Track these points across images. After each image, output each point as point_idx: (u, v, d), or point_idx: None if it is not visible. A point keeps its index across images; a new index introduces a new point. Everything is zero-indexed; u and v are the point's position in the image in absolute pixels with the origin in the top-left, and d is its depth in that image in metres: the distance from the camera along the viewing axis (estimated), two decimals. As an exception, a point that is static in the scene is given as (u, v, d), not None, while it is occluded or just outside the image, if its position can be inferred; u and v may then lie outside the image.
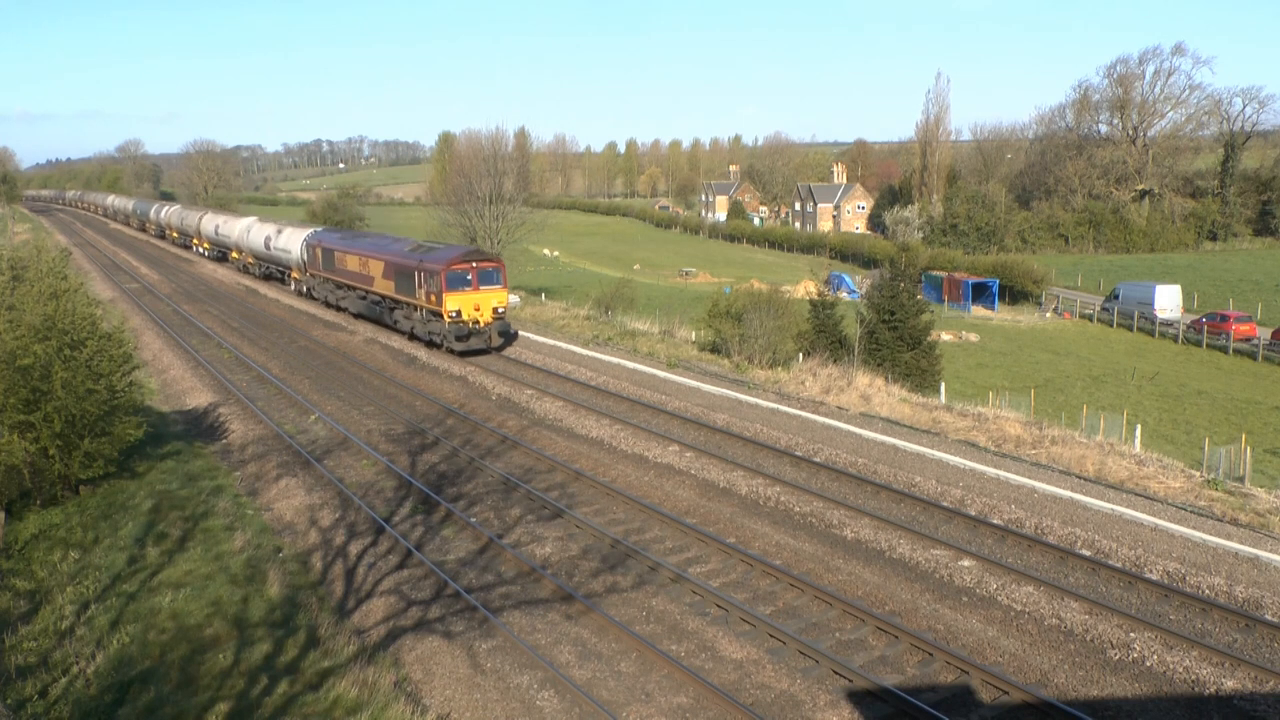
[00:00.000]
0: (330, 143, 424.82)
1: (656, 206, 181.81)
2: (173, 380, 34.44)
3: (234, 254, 66.91)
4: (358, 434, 26.25)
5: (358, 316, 44.25)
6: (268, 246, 55.89)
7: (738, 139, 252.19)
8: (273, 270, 58.35)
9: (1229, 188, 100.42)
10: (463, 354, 34.89)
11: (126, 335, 25.98)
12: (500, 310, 35.30)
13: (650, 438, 25.02)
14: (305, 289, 51.53)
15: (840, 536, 18.55)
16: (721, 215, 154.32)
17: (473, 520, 19.61)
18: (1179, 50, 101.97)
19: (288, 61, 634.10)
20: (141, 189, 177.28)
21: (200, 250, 76.63)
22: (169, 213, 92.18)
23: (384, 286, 39.23)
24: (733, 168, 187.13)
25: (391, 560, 17.89)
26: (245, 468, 23.93)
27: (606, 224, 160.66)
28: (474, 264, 34.71)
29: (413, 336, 38.30)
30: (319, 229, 53.07)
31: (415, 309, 37.04)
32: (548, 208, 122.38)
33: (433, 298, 34.91)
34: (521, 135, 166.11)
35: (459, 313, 34.50)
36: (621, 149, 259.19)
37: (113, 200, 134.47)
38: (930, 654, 14.07)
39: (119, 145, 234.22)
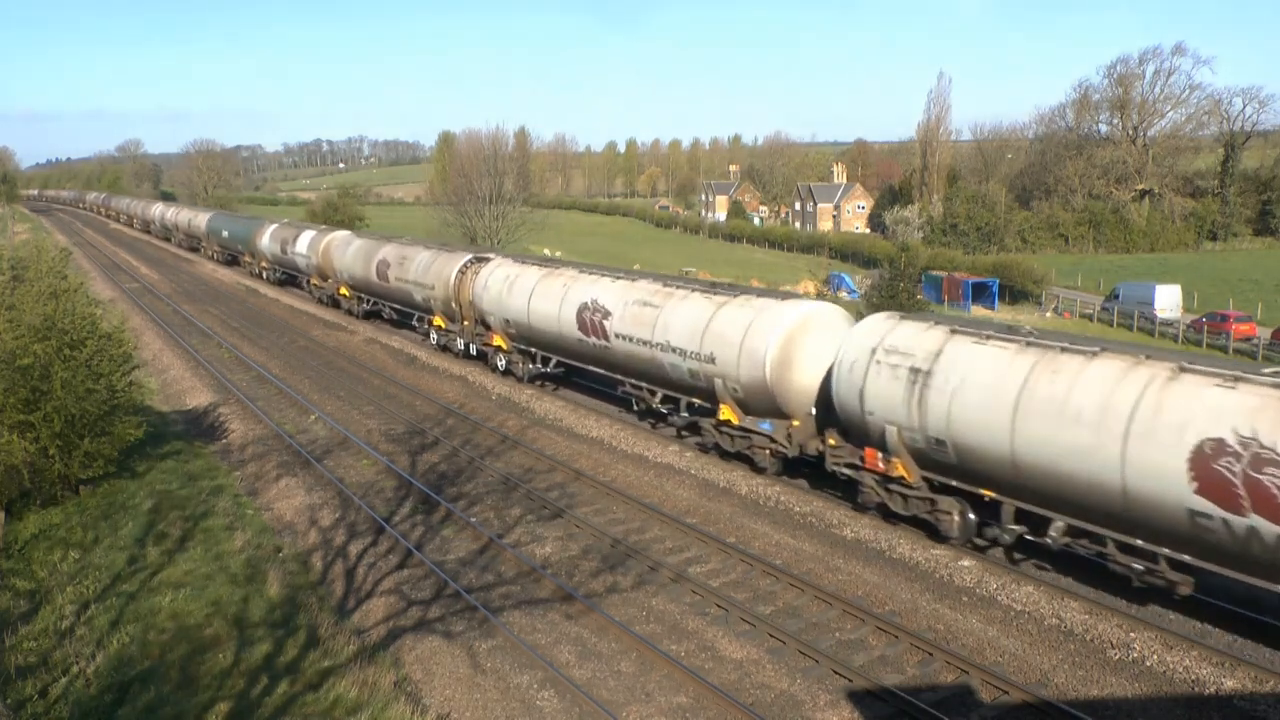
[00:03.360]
0: (330, 143, 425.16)
1: (656, 206, 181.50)
2: (173, 380, 34.44)
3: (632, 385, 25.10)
4: (358, 434, 26.25)
5: None
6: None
7: (738, 139, 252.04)
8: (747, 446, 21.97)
9: (1229, 188, 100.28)
10: None
11: (126, 335, 25.95)
12: None
13: (650, 436, 25.00)
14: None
15: (840, 536, 18.55)
16: (721, 215, 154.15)
17: (473, 520, 19.61)
18: (1179, 50, 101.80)
19: (288, 61, 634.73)
20: (141, 189, 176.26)
21: (439, 340, 35.35)
22: (331, 245, 44.78)
23: None
24: (733, 168, 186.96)
25: (391, 560, 17.89)
26: (245, 467, 23.93)
27: (607, 224, 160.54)
28: None
29: None
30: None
31: None
32: (548, 207, 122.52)
33: None
34: (521, 135, 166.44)
35: None
36: (621, 149, 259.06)
37: (163, 211, 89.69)
38: (930, 654, 14.07)
39: (119, 145, 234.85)
